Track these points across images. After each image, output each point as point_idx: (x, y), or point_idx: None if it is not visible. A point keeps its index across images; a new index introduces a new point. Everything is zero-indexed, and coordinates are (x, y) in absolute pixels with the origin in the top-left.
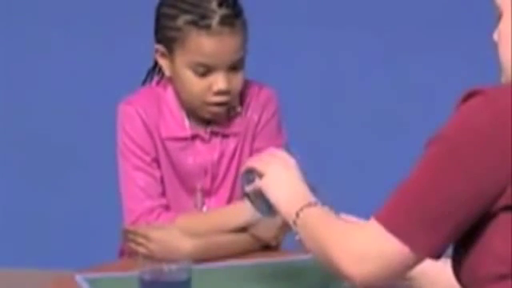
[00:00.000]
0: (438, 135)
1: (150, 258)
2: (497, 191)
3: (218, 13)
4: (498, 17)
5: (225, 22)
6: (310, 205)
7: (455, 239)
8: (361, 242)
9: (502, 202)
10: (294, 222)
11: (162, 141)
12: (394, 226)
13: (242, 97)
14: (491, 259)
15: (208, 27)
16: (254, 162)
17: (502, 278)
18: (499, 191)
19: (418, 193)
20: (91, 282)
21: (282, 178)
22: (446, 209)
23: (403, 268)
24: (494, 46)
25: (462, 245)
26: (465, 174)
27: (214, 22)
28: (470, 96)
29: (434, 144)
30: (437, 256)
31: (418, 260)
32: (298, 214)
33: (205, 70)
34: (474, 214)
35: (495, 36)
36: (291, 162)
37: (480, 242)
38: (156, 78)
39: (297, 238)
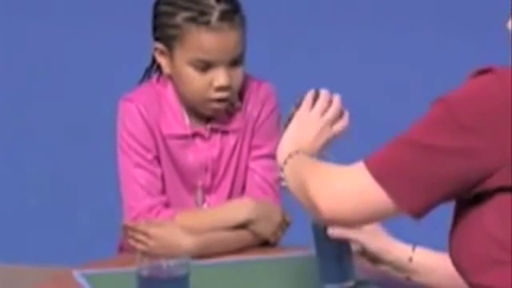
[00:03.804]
0: (443, 98)
1: (148, 253)
2: (491, 167)
3: (216, 8)
4: None
5: (224, 17)
6: (304, 152)
7: (439, 204)
8: (344, 181)
9: (497, 181)
10: (285, 162)
11: (163, 138)
12: (382, 176)
13: (241, 92)
14: (489, 244)
15: (207, 23)
16: (325, 96)
17: (501, 263)
18: (493, 168)
19: (412, 150)
20: (89, 278)
21: (311, 125)
22: (436, 172)
23: (380, 216)
24: (509, 35)
25: (459, 229)
26: (461, 143)
27: (213, 17)
28: (480, 73)
29: (437, 105)
30: (417, 216)
31: (397, 213)
32: (290, 155)
33: (205, 66)
34: (464, 184)
35: (509, 25)
36: (338, 129)
37: (478, 226)
38: (155, 76)
39: (282, 184)
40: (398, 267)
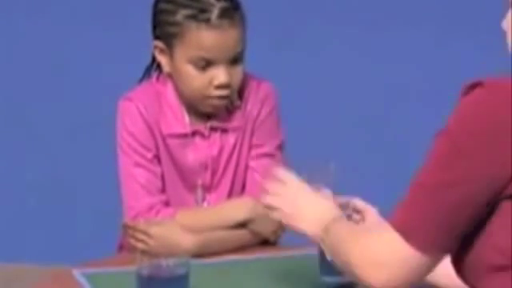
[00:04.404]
0: (443, 130)
1: (148, 252)
2: (503, 182)
3: (216, 6)
4: (507, 4)
5: (224, 14)
6: (333, 223)
7: (467, 231)
8: (376, 250)
9: (508, 192)
10: (323, 242)
11: (163, 137)
12: (407, 232)
13: (240, 91)
14: (491, 249)
15: (207, 21)
16: (267, 199)
17: (501, 269)
18: (505, 182)
19: (427, 194)
20: (89, 277)
21: (297, 206)
22: (456, 206)
23: (421, 271)
24: (503, 35)
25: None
26: (470, 169)
27: (214, 15)
28: (470, 88)
29: (439, 139)
30: (450, 252)
31: (435, 261)
32: (323, 239)
33: (205, 64)
34: (482, 205)
35: (503, 24)
36: (295, 180)
37: (480, 231)
38: (155, 74)
39: (329, 258)
40: None
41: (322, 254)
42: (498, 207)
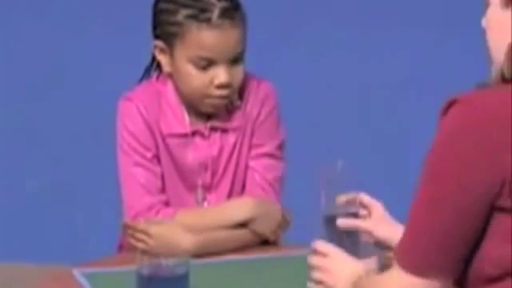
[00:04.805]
0: (429, 152)
1: (148, 252)
2: (493, 195)
3: (217, 6)
4: (486, 3)
5: (225, 14)
6: (361, 276)
7: (472, 248)
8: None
9: (498, 203)
10: None
11: (163, 137)
12: (411, 267)
13: (240, 91)
14: (487, 262)
15: (208, 20)
16: (316, 275)
17: (499, 279)
18: (495, 194)
19: (424, 223)
20: (89, 276)
21: (338, 277)
22: (453, 228)
23: None
24: (483, 33)
25: None
26: (459, 188)
27: (214, 15)
28: (448, 107)
29: (427, 162)
30: (455, 274)
31: (446, 285)
32: None
33: (206, 64)
34: (479, 221)
35: (483, 22)
36: (334, 251)
37: (476, 246)
38: (155, 74)
39: None
40: None
41: None
42: (491, 219)
